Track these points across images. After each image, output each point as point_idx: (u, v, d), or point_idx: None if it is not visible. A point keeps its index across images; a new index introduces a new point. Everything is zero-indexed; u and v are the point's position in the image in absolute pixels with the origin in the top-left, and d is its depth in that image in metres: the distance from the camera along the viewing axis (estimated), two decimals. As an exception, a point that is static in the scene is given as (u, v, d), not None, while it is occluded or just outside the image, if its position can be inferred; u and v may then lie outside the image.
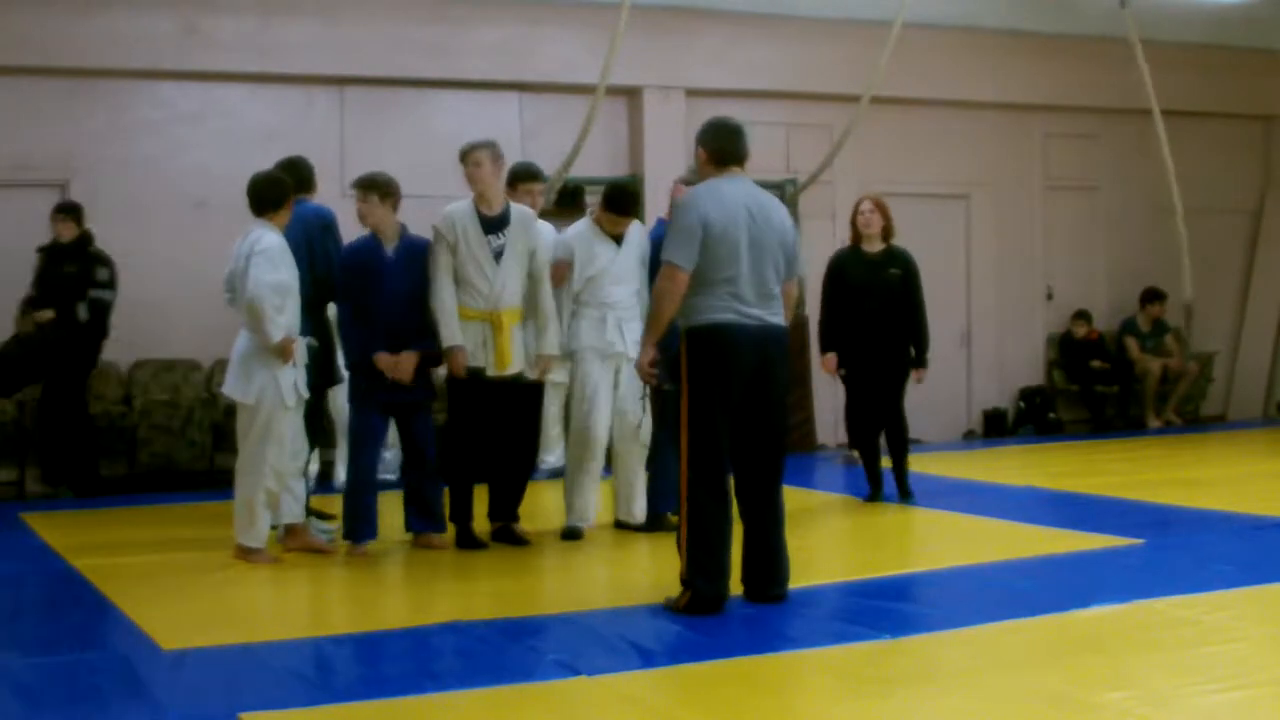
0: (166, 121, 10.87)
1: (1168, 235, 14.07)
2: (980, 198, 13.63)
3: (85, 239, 9.87)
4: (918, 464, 9.19)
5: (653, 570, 6.83)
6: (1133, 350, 13.68)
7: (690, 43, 12.13)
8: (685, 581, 5.86)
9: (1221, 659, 5.01)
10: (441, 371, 7.87)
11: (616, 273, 7.77)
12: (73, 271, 9.71)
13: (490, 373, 7.38)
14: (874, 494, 8.88)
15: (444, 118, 11.41)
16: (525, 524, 7.72)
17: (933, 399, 12.53)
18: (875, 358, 8.76)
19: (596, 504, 7.89)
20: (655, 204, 8.07)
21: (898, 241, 8.95)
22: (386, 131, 11.27)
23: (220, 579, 6.82)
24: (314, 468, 8.71)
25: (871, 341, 8.74)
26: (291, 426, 7.14)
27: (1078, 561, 6.99)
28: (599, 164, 11.67)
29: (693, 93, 12.05)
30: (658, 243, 6.63)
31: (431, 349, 7.37)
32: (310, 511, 7.66)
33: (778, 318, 6.01)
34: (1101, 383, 13.60)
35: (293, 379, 7.09)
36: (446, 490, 7.54)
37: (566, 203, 11.32)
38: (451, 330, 7.29)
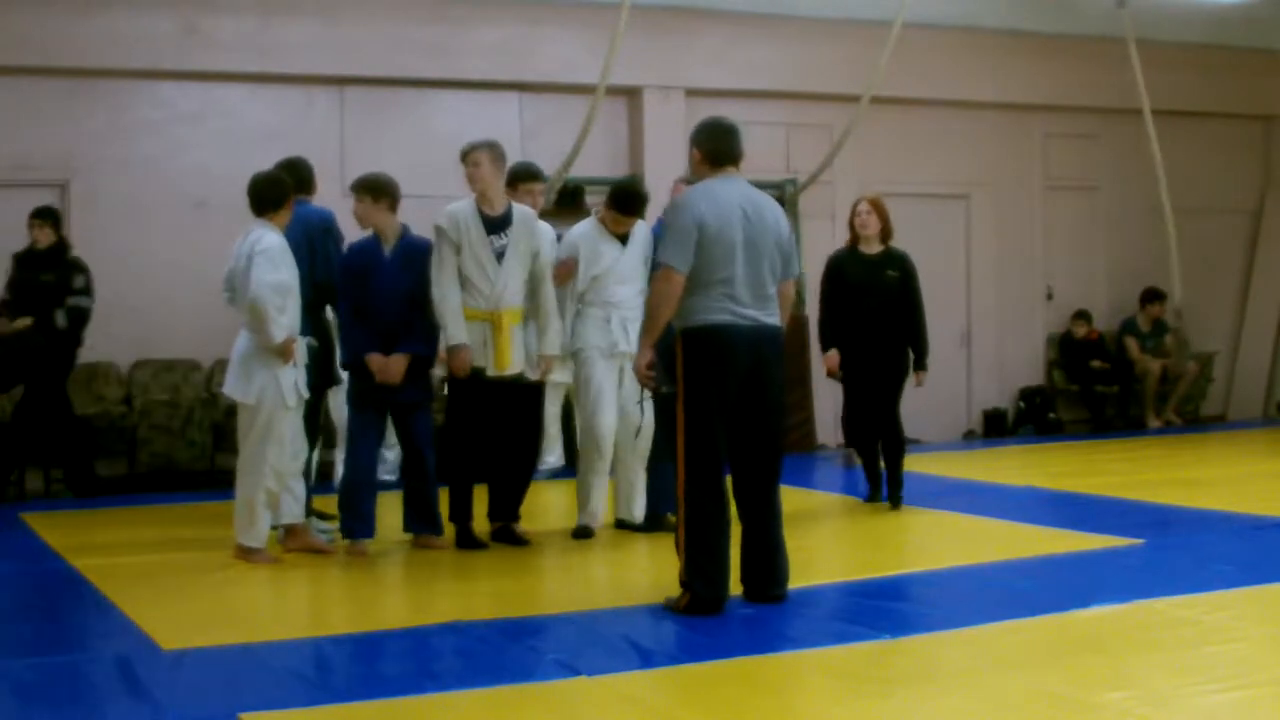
0: (166, 121, 10.87)
1: (1168, 235, 14.11)
2: (980, 198, 13.64)
3: (62, 245, 9.78)
4: (918, 464, 9.20)
5: (653, 570, 6.83)
6: (1133, 350, 13.68)
7: (690, 43, 12.13)
8: (684, 583, 5.86)
9: (1221, 659, 5.01)
10: (439, 371, 7.88)
11: (621, 272, 7.77)
12: (50, 279, 9.61)
13: (490, 373, 7.38)
14: (873, 494, 8.86)
15: (444, 118, 11.41)
16: (525, 524, 7.71)
17: (933, 399, 12.52)
18: (873, 360, 8.69)
19: (604, 502, 7.88)
20: (656, 204, 8.08)
21: (897, 242, 8.88)
22: (386, 131, 11.27)
23: (220, 579, 6.82)
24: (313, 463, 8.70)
25: (869, 344, 8.67)
26: (292, 426, 7.15)
27: (1078, 561, 6.99)
28: (599, 164, 11.68)
29: (693, 93, 12.05)
30: (657, 239, 6.63)
31: (422, 351, 7.35)
32: (311, 512, 7.66)
33: (773, 318, 6.00)
34: (1101, 383, 13.61)
35: (293, 379, 7.09)
36: (445, 491, 7.54)
37: (566, 203, 11.33)
38: (456, 329, 7.29)
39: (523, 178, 7.88)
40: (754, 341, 5.90)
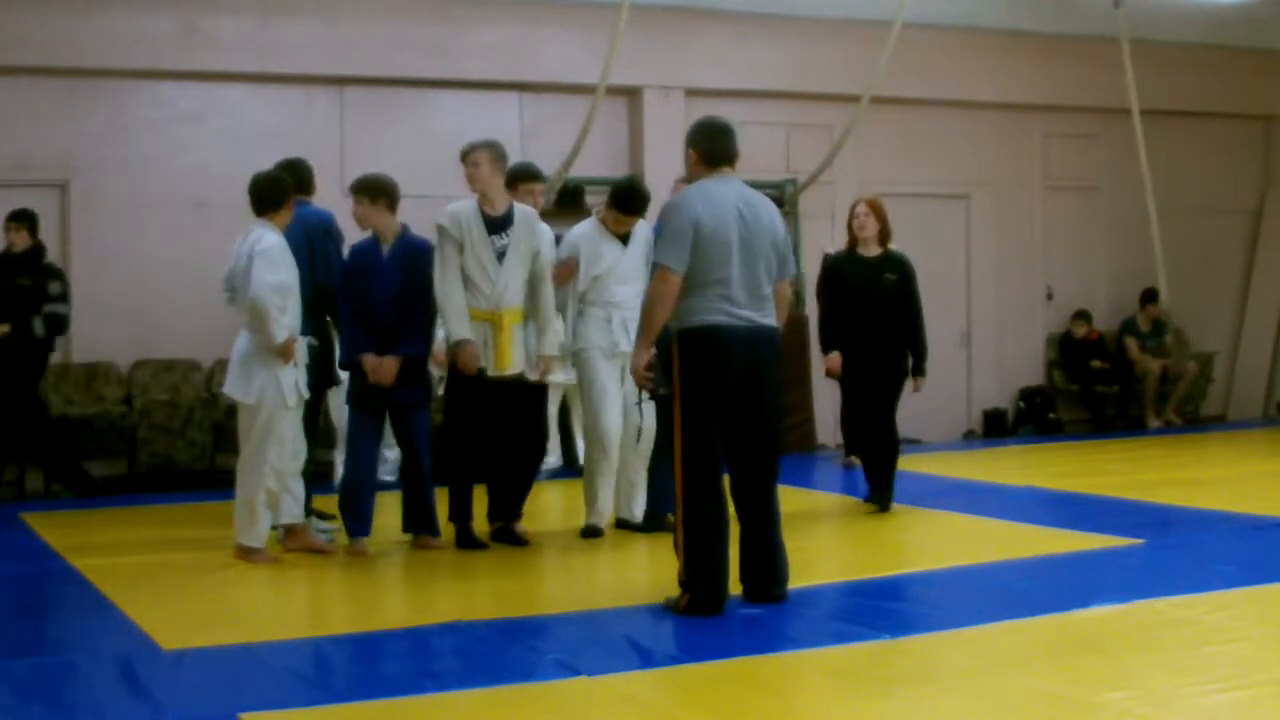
0: (166, 121, 10.87)
1: (1168, 235, 14.10)
2: (980, 198, 13.64)
3: (38, 250, 9.72)
4: (918, 464, 9.20)
5: (653, 570, 6.83)
6: (1132, 350, 13.68)
7: (690, 43, 12.13)
8: (684, 584, 5.85)
9: (1221, 659, 5.01)
10: (438, 371, 7.88)
11: (622, 272, 7.76)
12: (26, 285, 9.55)
13: (490, 372, 7.38)
14: (873, 494, 8.84)
15: (444, 118, 11.41)
16: (526, 524, 7.71)
17: (933, 399, 12.53)
18: (871, 363, 8.60)
19: (611, 501, 7.88)
20: (656, 204, 8.07)
21: (897, 243, 8.82)
22: (386, 131, 11.27)
23: (220, 579, 6.82)
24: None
25: (867, 347, 8.60)
26: (292, 426, 7.15)
27: (1078, 561, 6.99)
28: (599, 164, 11.68)
29: (693, 93, 12.05)
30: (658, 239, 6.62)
31: (415, 353, 7.34)
32: (311, 511, 7.67)
33: (769, 318, 5.99)
34: (1101, 383, 13.61)
35: (294, 379, 7.09)
36: (445, 492, 7.54)
37: (566, 203, 11.33)
38: (460, 325, 7.29)
39: (522, 178, 7.88)
40: (750, 342, 5.89)
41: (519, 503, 7.69)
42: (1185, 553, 7.12)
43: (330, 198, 8.53)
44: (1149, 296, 13.75)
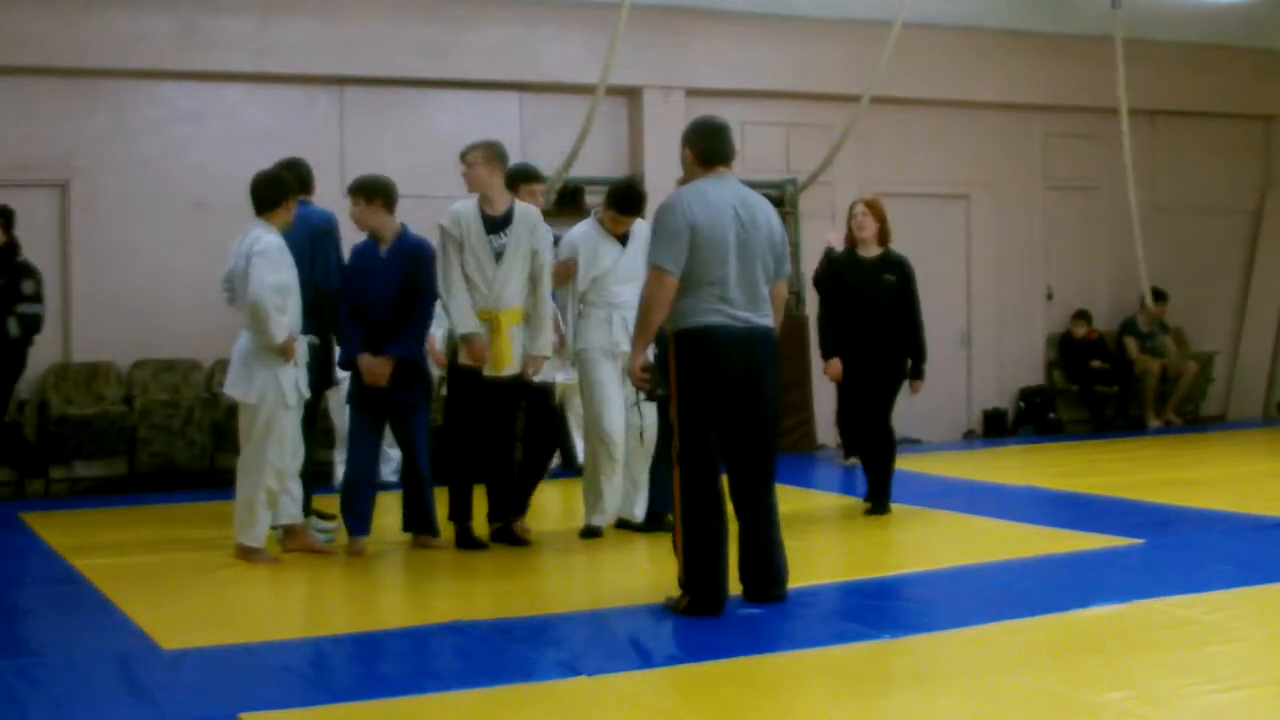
0: (166, 121, 10.87)
1: (1168, 235, 14.13)
2: (980, 198, 13.63)
3: (12, 247, 9.67)
4: (918, 464, 9.19)
5: (653, 570, 6.83)
6: (1132, 350, 13.68)
7: (690, 43, 12.13)
8: (684, 585, 5.85)
9: (1221, 659, 5.01)
10: (438, 371, 7.87)
11: (622, 272, 7.76)
12: (0, 284, 9.51)
13: (487, 373, 7.39)
14: (872, 500, 8.81)
15: (444, 118, 11.41)
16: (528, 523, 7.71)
17: (933, 399, 12.52)
18: (869, 365, 8.53)
19: (617, 502, 7.88)
20: (655, 204, 8.07)
21: (897, 244, 8.74)
22: (386, 131, 11.27)
23: (220, 579, 6.82)
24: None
25: (865, 348, 8.53)
26: (293, 426, 7.14)
27: (1078, 561, 6.99)
28: (599, 164, 11.67)
29: (693, 93, 12.05)
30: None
31: (407, 354, 7.33)
32: (311, 511, 7.67)
33: (766, 319, 5.98)
34: (1101, 383, 13.61)
35: (294, 378, 7.09)
36: (443, 492, 7.54)
37: (566, 203, 11.33)
38: (466, 320, 7.31)
39: (523, 178, 7.87)
40: (747, 343, 5.88)
41: (525, 498, 7.73)
42: (1185, 553, 7.12)
43: (330, 198, 8.52)
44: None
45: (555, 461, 10.43)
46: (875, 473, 8.61)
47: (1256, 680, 4.75)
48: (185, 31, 10.66)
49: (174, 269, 10.52)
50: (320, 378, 7.60)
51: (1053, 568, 6.82)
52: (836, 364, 8.69)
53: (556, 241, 7.94)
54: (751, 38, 12.26)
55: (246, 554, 7.09)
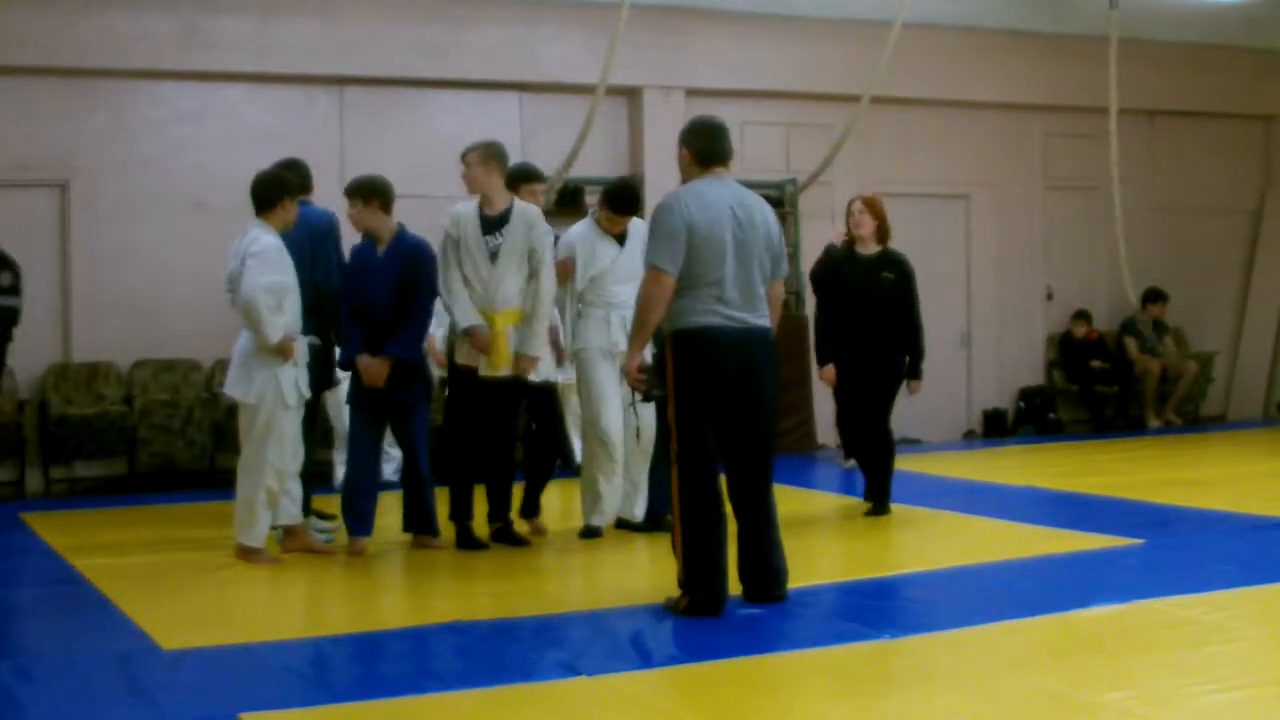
0: (166, 121, 10.87)
1: (1168, 235, 14.14)
2: (980, 198, 13.63)
3: None
4: (918, 464, 9.18)
5: (652, 570, 6.83)
6: (1132, 350, 13.68)
7: (690, 43, 12.13)
8: (683, 585, 5.85)
9: (1221, 659, 5.01)
10: (439, 371, 7.86)
11: (620, 272, 7.76)
12: None
13: (483, 373, 7.40)
14: (870, 501, 8.73)
15: (444, 118, 11.41)
16: (520, 526, 7.69)
17: (933, 399, 12.52)
18: (866, 365, 8.46)
19: (616, 502, 7.88)
20: (654, 205, 8.09)
21: (897, 243, 8.68)
22: (386, 131, 11.27)
23: (220, 579, 6.82)
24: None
25: (862, 347, 8.45)
26: (293, 426, 7.14)
27: (1078, 561, 6.99)
28: (599, 164, 11.67)
29: (693, 93, 12.05)
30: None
31: (404, 355, 7.33)
32: (311, 511, 7.67)
33: (763, 319, 5.98)
34: (1101, 383, 13.61)
35: (294, 378, 7.09)
36: (442, 493, 7.54)
37: (566, 203, 11.32)
38: (467, 315, 7.34)
39: (523, 178, 7.88)
40: (743, 343, 5.88)
41: (535, 500, 7.81)
42: (1185, 553, 7.12)
43: (330, 198, 8.52)
44: (1149, 296, 13.76)
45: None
46: (874, 474, 8.57)
47: (1256, 680, 4.75)
48: (185, 31, 10.66)
49: (174, 269, 10.52)
50: (321, 378, 7.60)
51: (1053, 568, 6.82)
52: (830, 370, 8.64)
53: (556, 241, 7.94)
54: (751, 38, 12.26)
55: (246, 554, 7.09)
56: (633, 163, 12.07)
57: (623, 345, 7.58)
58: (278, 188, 7.17)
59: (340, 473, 9.08)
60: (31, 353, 10.22)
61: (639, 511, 7.91)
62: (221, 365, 9.31)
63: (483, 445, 7.51)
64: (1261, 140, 14.86)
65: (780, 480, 6.15)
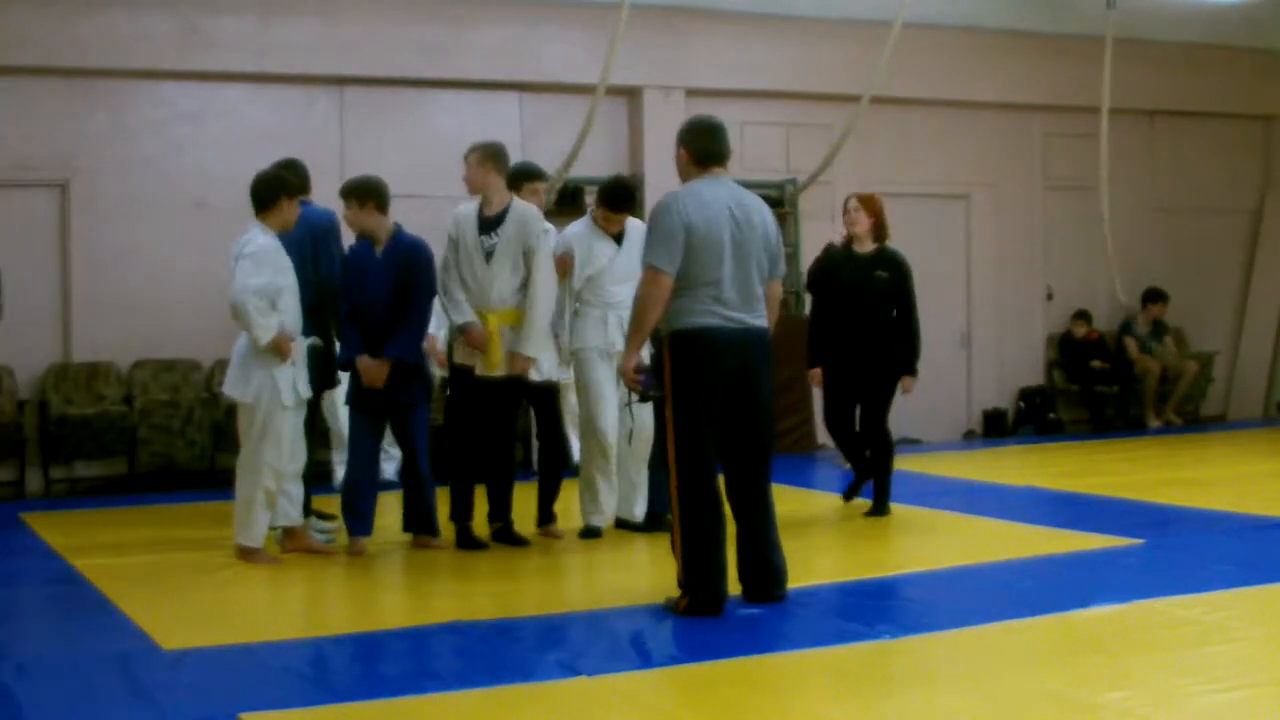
0: (166, 121, 10.86)
1: (1168, 235, 14.14)
2: (980, 198, 13.63)
3: None
4: (918, 464, 9.17)
5: (652, 571, 6.83)
6: (1132, 350, 13.68)
7: (690, 43, 12.13)
8: (683, 586, 5.85)
9: (1221, 659, 5.01)
10: (440, 371, 7.86)
11: (617, 271, 7.76)
12: None
13: (479, 372, 7.41)
14: (856, 487, 8.70)
15: (444, 118, 11.41)
16: (520, 526, 7.68)
17: (933, 399, 12.53)
18: (860, 363, 8.39)
19: (614, 502, 7.88)
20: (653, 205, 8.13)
21: (897, 243, 8.61)
22: (386, 131, 11.26)
23: (220, 579, 6.82)
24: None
25: (857, 346, 8.38)
26: (290, 426, 7.13)
27: (1078, 561, 6.99)
28: (599, 164, 11.66)
29: (693, 93, 12.05)
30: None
31: (403, 356, 7.32)
32: (311, 511, 7.67)
33: (761, 320, 5.97)
34: (1101, 383, 13.61)
35: (291, 378, 7.08)
36: (441, 493, 7.54)
37: (566, 203, 11.32)
38: (463, 311, 7.37)
39: (525, 177, 7.88)
40: (741, 344, 5.88)
41: (549, 505, 7.82)
42: (1185, 553, 7.12)
43: (331, 198, 8.50)
44: (1149, 297, 13.76)
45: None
46: (875, 475, 8.53)
47: (1256, 680, 4.75)
48: (185, 31, 10.66)
49: (174, 269, 10.52)
50: (322, 378, 7.60)
51: (1053, 568, 6.82)
52: (818, 373, 8.62)
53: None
54: (751, 38, 12.26)
55: (246, 554, 7.09)
56: (633, 163, 12.07)
57: (620, 345, 7.57)
58: (275, 188, 7.16)
59: (339, 473, 9.08)
60: (31, 353, 10.23)
61: (639, 511, 7.91)
62: (221, 365, 9.30)
63: (483, 445, 7.51)
64: (1261, 140, 14.86)
65: (780, 480, 6.16)
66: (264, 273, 6.93)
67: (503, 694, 4.74)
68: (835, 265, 8.62)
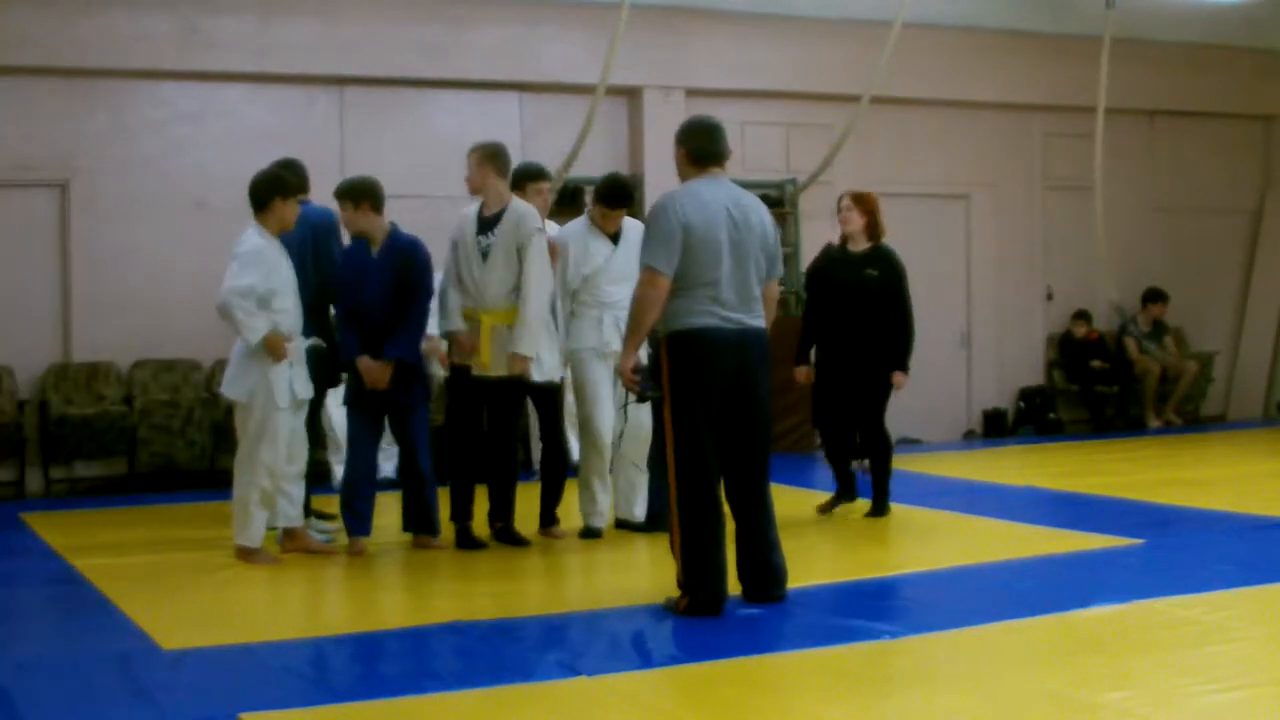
0: (166, 121, 10.87)
1: (1168, 235, 14.14)
2: (980, 198, 13.63)
3: None
4: (918, 464, 9.16)
5: (652, 571, 6.83)
6: (1132, 350, 13.68)
7: (690, 43, 12.13)
8: (683, 586, 5.85)
9: (1221, 659, 5.01)
10: (441, 371, 7.86)
11: (614, 271, 7.76)
12: None
13: (475, 372, 7.42)
14: (841, 495, 8.58)
15: (444, 118, 11.41)
16: (521, 526, 7.68)
17: (933, 399, 12.55)
18: (852, 363, 8.31)
19: (609, 502, 7.88)
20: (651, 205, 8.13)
21: (896, 242, 8.54)
22: (386, 131, 11.27)
23: (220, 579, 6.82)
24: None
25: (849, 345, 8.31)
26: (288, 427, 7.12)
27: (1078, 561, 6.99)
28: (599, 164, 11.62)
29: (693, 93, 12.05)
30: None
31: (404, 356, 7.32)
32: (311, 511, 7.66)
33: (759, 320, 5.97)
34: (1101, 383, 13.61)
35: (286, 379, 7.06)
36: (442, 493, 7.54)
37: (567, 203, 11.30)
38: (450, 317, 7.44)
39: (528, 177, 7.87)
40: (739, 344, 5.87)
41: (552, 508, 7.81)
42: (1185, 553, 7.12)
43: (330, 198, 8.52)
44: (1149, 297, 13.77)
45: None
46: (874, 475, 8.50)
47: (1256, 680, 4.75)
48: (185, 31, 10.66)
49: (174, 269, 10.52)
50: (324, 378, 7.59)
51: (1053, 568, 6.82)
52: (803, 371, 8.57)
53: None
54: (751, 38, 12.26)
55: (245, 554, 7.09)
56: (633, 163, 12.07)
57: (616, 345, 7.58)
58: (269, 188, 7.13)
59: (338, 473, 9.08)
60: (31, 353, 10.24)
61: (639, 511, 7.91)
62: (221, 365, 9.29)
63: (482, 445, 7.51)
64: (1261, 140, 14.86)
65: (779, 480, 6.16)
66: (252, 273, 6.90)
67: (503, 694, 4.74)
68: (829, 265, 8.57)
